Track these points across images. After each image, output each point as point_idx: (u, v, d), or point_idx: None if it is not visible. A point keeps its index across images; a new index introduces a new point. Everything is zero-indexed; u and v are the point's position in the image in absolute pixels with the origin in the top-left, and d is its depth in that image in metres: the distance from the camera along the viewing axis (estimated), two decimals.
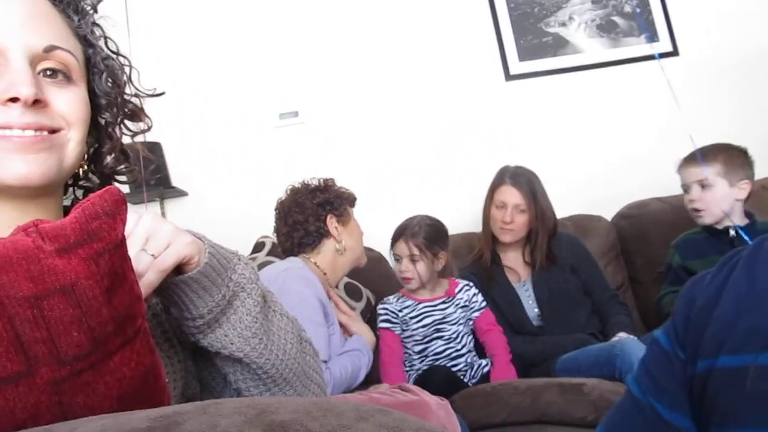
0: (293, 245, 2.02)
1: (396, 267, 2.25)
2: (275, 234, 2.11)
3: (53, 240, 0.53)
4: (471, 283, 2.25)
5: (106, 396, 0.54)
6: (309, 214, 2.00)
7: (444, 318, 2.16)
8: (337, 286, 2.20)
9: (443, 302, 2.18)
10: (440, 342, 2.15)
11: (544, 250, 2.33)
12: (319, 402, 0.42)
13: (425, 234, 2.15)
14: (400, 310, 2.19)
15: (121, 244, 0.58)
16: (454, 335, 2.16)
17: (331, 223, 2.02)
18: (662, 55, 2.96)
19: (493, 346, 2.19)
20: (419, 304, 2.18)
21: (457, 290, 2.21)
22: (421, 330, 2.16)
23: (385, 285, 2.37)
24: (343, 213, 2.05)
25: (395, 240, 2.21)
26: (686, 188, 2.20)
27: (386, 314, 2.20)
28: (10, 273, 0.51)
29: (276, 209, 2.09)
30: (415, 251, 2.13)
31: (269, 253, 2.44)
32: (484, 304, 2.23)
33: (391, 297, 2.25)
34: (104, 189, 0.58)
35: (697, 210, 2.14)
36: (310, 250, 2.02)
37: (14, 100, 0.70)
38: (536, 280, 2.34)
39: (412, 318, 2.17)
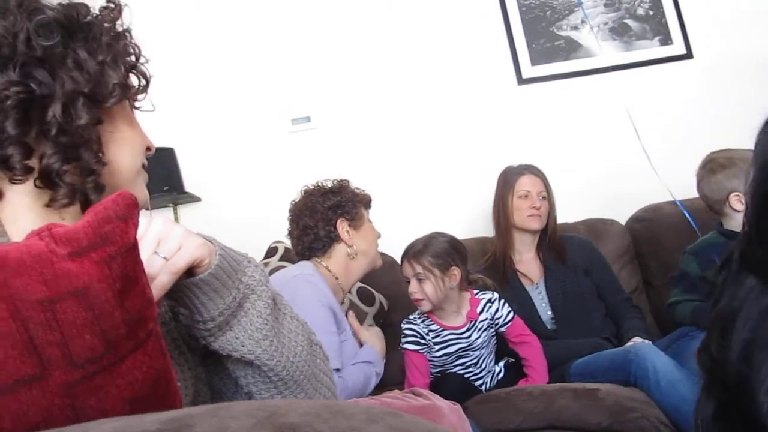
0: (304, 249, 2.00)
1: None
2: (288, 236, 2.09)
3: (66, 244, 0.54)
4: (493, 296, 2.11)
5: (118, 399, 0.54)
6: (319, 219, 1.96)
7: (469, 345, 2.06)
8: (350, 291, 2.19)
9: (468, 329, 2.05)
10: (460, 368, 2.08)
11: (557, 244, 2.36)
12: (330, 404, 0.42)
13: (432, 252, 2.02)
14: (426, 333, 2.07)
15: (133, 247, 0.58)
16: (475, 360, 2.08)
17: (342, 227, 1.98)
18: (676, 58, 2.95)
19: (527, 362, 2.09)
20: (444, 330, 2.06)
21: (479, 310, 2.08)
22: (443, 357, 2.07)
23: (398, 290, 2.34)
24: (355, 216, 2.01)
25: (401, 262, 2.10)
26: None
27: (413, 335, 2.08)
28: (24, 277, 0.51)
29: (289, 211, 2.06)
30: (419, 270, 2.01)
31: (282, 258, 2.44)
32: (510, 316, 2.09)
33: (415, 316, 2.12)
34: (117, 193, 0.59)
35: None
36: (321, 255, 1.99)
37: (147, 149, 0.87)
38: (549, 283, 2.32)
39: (436, 343, 2.07)
